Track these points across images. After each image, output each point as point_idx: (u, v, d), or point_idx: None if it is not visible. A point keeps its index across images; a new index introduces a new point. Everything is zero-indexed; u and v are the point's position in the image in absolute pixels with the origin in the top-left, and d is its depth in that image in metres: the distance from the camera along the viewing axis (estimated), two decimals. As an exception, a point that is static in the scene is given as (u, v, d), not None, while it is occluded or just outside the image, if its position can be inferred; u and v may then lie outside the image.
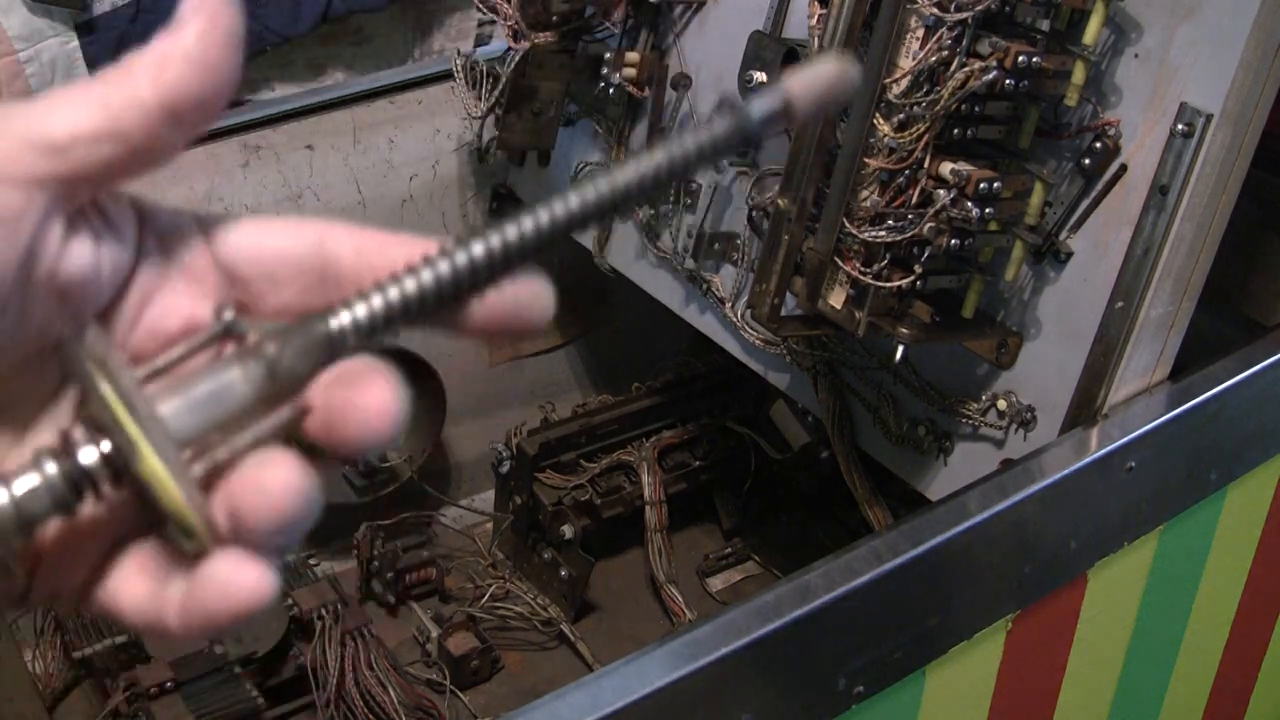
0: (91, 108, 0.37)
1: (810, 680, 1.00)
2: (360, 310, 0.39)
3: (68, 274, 0.38)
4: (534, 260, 0.42)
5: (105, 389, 0.37)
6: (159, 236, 0.41)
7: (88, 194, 0.38)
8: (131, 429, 0.36)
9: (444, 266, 0.40)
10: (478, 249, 0.40)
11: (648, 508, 1.77)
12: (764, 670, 0.96)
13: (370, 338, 0.40)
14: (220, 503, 0.37)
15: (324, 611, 1.62)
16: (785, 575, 1.02)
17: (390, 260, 0.41)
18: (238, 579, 0.36)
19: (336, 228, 0.42)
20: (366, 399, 0.38)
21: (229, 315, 0.40)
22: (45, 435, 0.40)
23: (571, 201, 0.41)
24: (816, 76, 0.42)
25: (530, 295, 0.42)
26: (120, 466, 0.37)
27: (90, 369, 0.37)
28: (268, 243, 0.42)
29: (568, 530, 1.75)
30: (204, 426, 0.38)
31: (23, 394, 0.40)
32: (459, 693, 1.69)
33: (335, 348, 0.39)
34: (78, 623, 1.57)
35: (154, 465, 0.36)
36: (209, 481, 0.37)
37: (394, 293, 0.40)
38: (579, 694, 0.87)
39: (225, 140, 1.72)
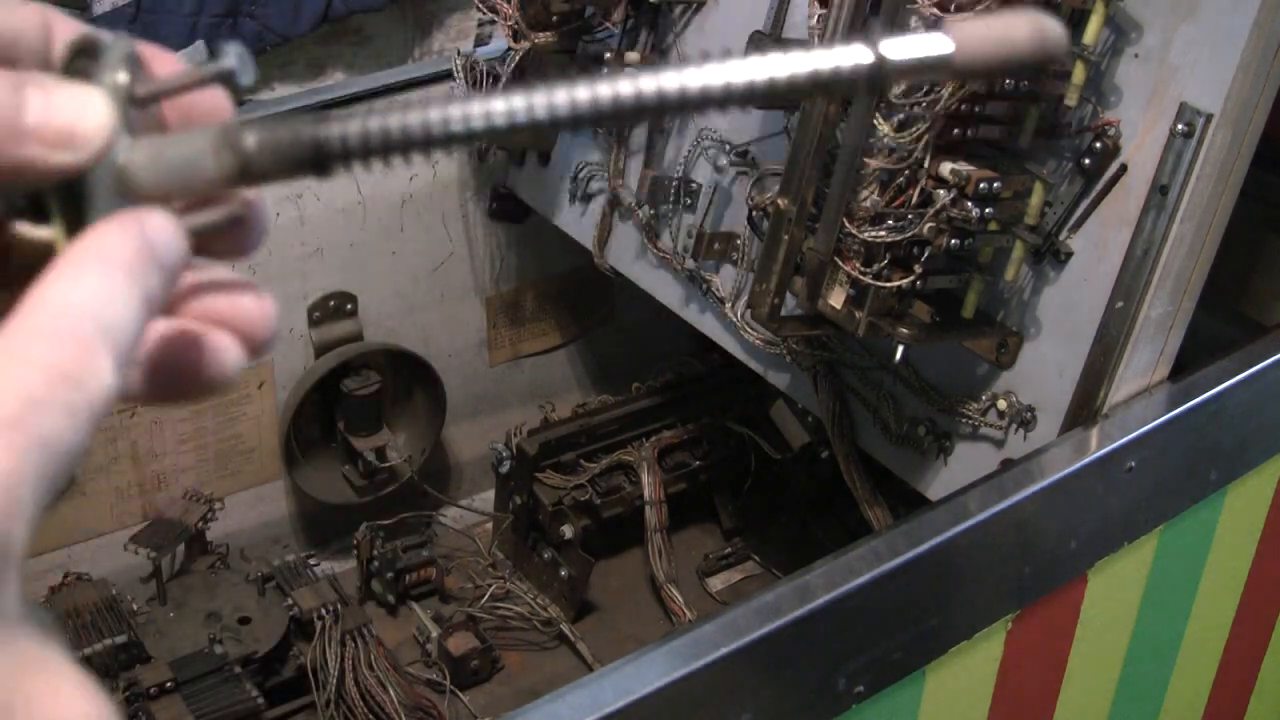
0: None
1: (810, 680, 1.00)
2: (353, 127, 0.38)
3: None
4: (538, 127, 0.39)
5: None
6: None
7: None
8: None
9: (441, 112, 0.38)
10: (478, 107, 0.38)
11: (648, 508, 1.77)
12: (764, 670, 0.96)
13: (355, 158, 0.38)
14: None
15: (324, 611, 1.62)
16: (785, 575, 1.02)
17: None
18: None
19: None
20: (247, 304, 0.39)
21: (231, 63, 0.39)
22: None
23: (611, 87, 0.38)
24: (998, 30, 0.34)
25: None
26: None
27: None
28: None
29: (568, 530, 1.75)
30: (157, 184, 0.38)
31: None
32: (459, 693, 1.69)
33: (318, 157, 0.38)
34: (78, 622, 1.56)
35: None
36: None
37: (392, 121, 0.38)
38: (579, 694, 0.87)
39: (225, 140, 1.72)
